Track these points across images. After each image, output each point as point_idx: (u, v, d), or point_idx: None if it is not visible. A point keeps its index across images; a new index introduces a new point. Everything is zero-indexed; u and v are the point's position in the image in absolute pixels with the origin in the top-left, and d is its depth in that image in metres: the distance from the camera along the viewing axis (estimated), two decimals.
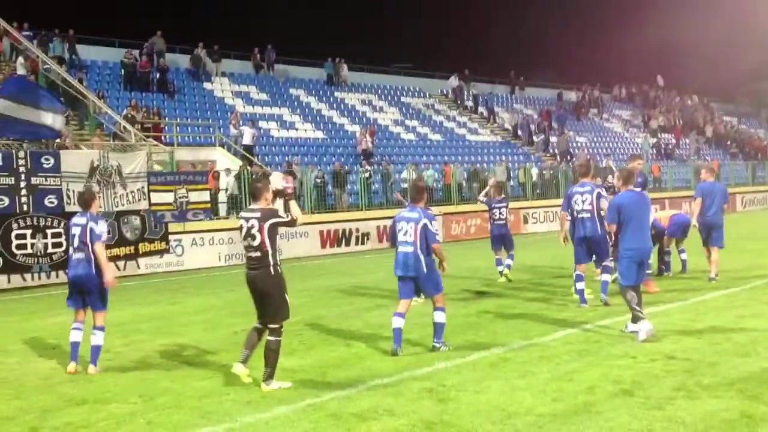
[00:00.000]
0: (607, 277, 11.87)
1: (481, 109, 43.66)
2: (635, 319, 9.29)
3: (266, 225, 7.62)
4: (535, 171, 33.81)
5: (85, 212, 9.10)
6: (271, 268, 7.70)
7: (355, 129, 35.10)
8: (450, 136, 39.38)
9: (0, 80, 22.47)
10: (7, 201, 17.65)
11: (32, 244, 18.25)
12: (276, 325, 7.77)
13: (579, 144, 43.15)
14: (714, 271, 13.58)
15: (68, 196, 19.26)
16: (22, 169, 17.85)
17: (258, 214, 7.70)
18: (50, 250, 18.70)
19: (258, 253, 7.71)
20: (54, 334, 11.43)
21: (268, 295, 7.78)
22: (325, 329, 10.98)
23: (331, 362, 8.76)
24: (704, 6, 58.55)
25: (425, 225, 9.09)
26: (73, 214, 19.06)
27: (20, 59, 26.87)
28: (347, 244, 25.27)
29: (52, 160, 19.01)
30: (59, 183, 19.08)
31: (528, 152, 40.15)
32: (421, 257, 9.06)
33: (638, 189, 10.29)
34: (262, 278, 7.74)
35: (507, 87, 48.86)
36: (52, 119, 18.95)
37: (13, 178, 17.70)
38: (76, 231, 8.96)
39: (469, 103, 44.07)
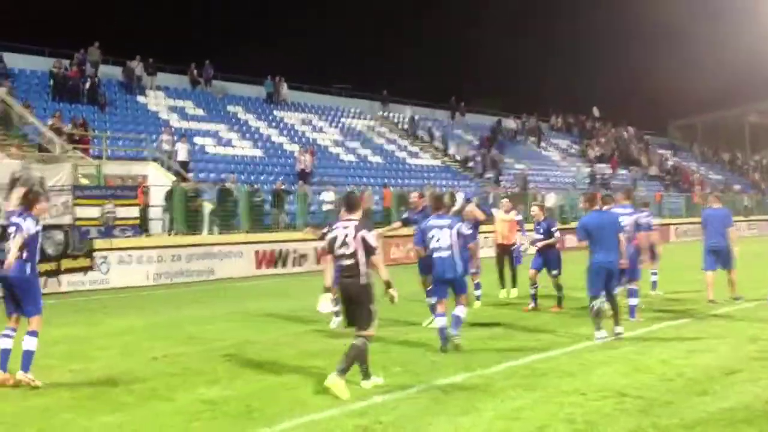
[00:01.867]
0: (634, 301, 12.49)
1: (437, 143, 42.98)
2: (597, 328, 10.51)
3: (359, 235, 7.92)
4: (461, 195, 33.04)
5: (24, 211, 8.78)
6: (362, 277, 7.92)
7: (293, 148, 34.36)
8: (390, 158, 38.96)
9: None
10: None
11: None
12: (364, 332, 7.93)
13: (518, 170, 43.21)
14: (734, 291, 14.14)
15: None
16: None
17: (353, 224, 8.05)
18: None
19: (351, 261, 7.94)
20: None
21: (358, 303, 7.96)
22: (253, 356, 10.17)
23: (258, 394, 7.95)
24: (639, 41, 59.90)
25: (460, 228, 10.26)
26: None
27: None
28: (284, 265, 24.45)
29: None
30: None
31: (466, 175, 39.91)
32: (457, 260, 10.06)
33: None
34: (353, 286, 7.94)
35: (446, 112, 48.75)
36: None
37: None
38: (11, 230, 8.70)
39: (423, 134, 43.47)
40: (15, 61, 30.82)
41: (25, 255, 8.58)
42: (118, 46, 35.38)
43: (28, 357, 8.54)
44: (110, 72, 33.89)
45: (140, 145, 28.49)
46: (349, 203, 8.38)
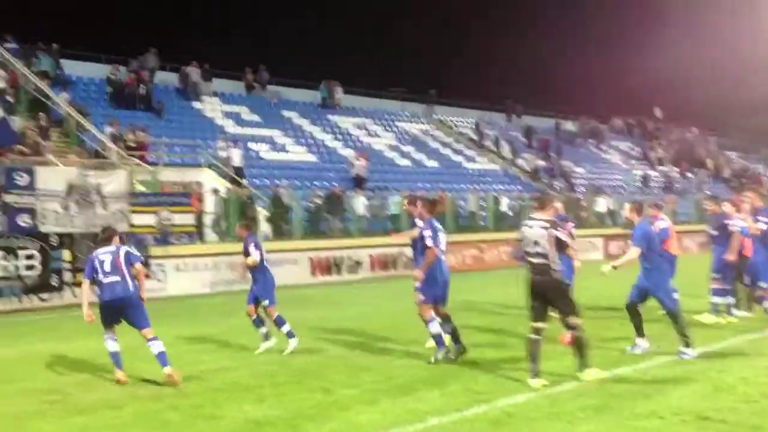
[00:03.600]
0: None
1: (505, 153, 41.54)
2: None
3: (550, 234, 8.27)
4: (506, 201, 32.12)
5: (109, 245, 9.46)
6: (553, 273, 8.30)
7: (348, 153, 34.00)
8: (447, 163, 38.29)
9: None
10: None
11: (3, 267, 17.08)
12: (574, 322, 8.32)
13: (577, 174, 42.11)
14: None
15: (43, 216, 18.13)
16: None
17: (544, 223, 8.39)
18: (23, 273, 17.48)
19: (542, 260, 8.29)
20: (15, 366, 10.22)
21: (557, 297, 8.36)
22: (303, 370, 9.71)
23: (305, 412, 7.49)
24: (700, 41, 58.05)
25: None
26: (46, 234, 17.87)
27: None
28: (338, 272, 24.09)
29: (26, 177, 17.94)
30: (34, 201, 17.99)
31: (516, 177, 38.99)
32: None
33: None
34: (547, 283, 8.33)
35: (503, 115, 47.80)
36: None
37: None
38: (105, 258, 9.23)
39: (488, 143, 42.28)
40: (73, 68, 31.08)
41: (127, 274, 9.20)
42: (175, 52, 35.46)
43: (163, 356, 9.05)
44: (167, 78, 34.01)
45: (195, 151, 28.45)
46: (540, 202, 8.80)
